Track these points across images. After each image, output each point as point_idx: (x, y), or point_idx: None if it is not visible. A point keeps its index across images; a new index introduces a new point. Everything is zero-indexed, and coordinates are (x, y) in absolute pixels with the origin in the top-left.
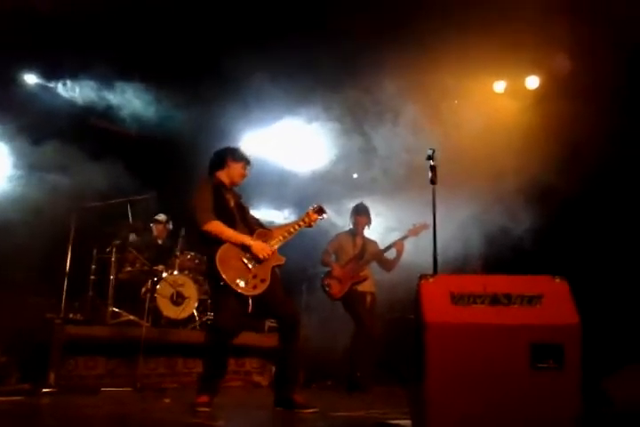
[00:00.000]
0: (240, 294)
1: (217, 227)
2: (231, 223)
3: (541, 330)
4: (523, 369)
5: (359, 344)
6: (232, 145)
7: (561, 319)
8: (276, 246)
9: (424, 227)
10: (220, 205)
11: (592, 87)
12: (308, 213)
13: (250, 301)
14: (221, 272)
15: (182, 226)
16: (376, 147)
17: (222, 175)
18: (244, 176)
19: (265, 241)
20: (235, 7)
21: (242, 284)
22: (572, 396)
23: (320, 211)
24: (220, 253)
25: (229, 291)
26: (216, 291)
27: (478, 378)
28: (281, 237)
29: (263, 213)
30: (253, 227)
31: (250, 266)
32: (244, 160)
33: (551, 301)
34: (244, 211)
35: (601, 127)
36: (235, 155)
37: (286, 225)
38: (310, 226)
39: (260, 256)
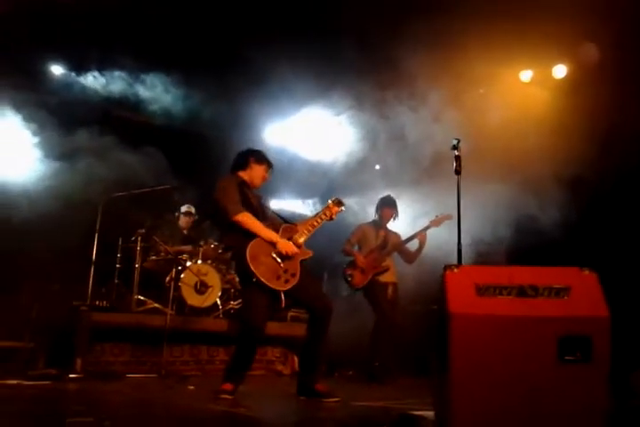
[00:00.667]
0: (272, 290)
1: (248, 218)
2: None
3: (569, 322)
4: (549, 362)
5: (379, 335)
6: (256, 147)
7: (589, 311)
8: (301, 240)
9: (447, 217)
10: (244, 202)
11: (621, 76)
12: (328, 206)
13: (282, 295)
14: (253, 269)
15: (207, 217)
16: (402, 137)
17: (244, 176)
18: (265, 179)
19: (291, 236)
20: None
21: (274, 279)
22: (599, 389)
23: (340, 203)
24: (250, 249)
25: (262, 287)
26: (247, 287)
27: (503, 370)
28: (306, 231)
29: (288, 203)
30: (276, 224)
31: (279, 261)
32: (267, 163)
33: (579, 293)
34: (265, 210)
35: (630, 117)
36: (258, 157)
37: (309, 219)
38: (332, 219)
39: (284, 253)
